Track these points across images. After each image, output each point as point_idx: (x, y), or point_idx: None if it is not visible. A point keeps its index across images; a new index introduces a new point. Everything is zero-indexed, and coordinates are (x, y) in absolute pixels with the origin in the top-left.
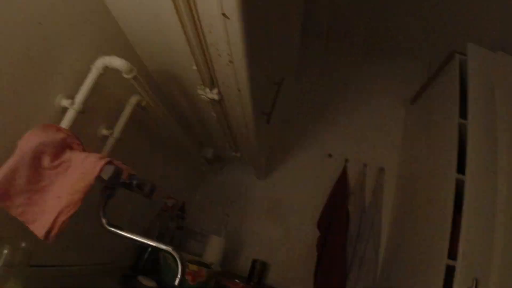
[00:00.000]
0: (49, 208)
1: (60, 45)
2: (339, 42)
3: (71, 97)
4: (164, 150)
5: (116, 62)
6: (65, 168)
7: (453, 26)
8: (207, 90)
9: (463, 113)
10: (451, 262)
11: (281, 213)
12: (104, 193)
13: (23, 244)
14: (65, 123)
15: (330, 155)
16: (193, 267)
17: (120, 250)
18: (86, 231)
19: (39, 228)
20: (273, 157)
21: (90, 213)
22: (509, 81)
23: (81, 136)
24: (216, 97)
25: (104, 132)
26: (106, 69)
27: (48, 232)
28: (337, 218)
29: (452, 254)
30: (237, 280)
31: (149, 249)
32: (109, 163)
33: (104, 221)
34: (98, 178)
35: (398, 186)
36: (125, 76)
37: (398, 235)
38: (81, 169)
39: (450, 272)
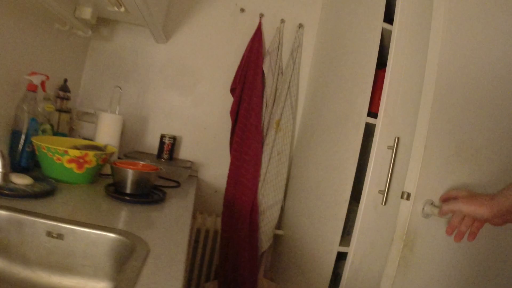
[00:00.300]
0: None
1: None
2: None
3: None
4: (16, 12)
5: None
6: None
7: None
8: None
9: None
10: (371, 120)
11: (189, 80)
12: None
13: None
14: None
15: (242, 10)
16: (74, 152)
17: None
18: None
19: None
20: (174, 14)
21: None
22: None
23: None
24: None
25: None
26: None
27: None
28: (251, 81)
29: (373, 111)
30: (141, 162)
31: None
32: None
33: None
34: None
35: (318, 45)
36: None
37: (317, 96)
38: None
39: (370, 129)
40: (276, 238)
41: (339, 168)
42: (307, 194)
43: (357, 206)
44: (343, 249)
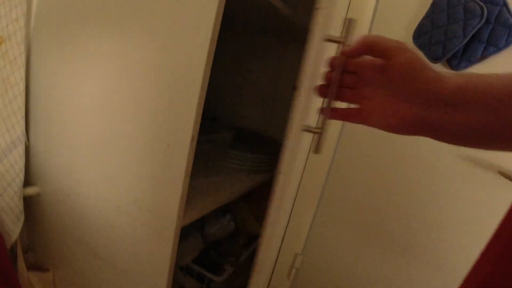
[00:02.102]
0: None
1: None
2: None
3: None
4: None
5: None
6: None
7: None
8: None
9: None
10: None
11: None
12: None
13: None
14: None
15: None
16: None
17: None
18: None
19: None
20: None
21: None
22: None
23: None
24: None
25: None
26: None
27: None
28: None
29: None
30: None
31: None
32: None
33: None
34: None
35: None
36: None
37: None
38: None
39: None
40: (28, 201)
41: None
42: (83, 122)
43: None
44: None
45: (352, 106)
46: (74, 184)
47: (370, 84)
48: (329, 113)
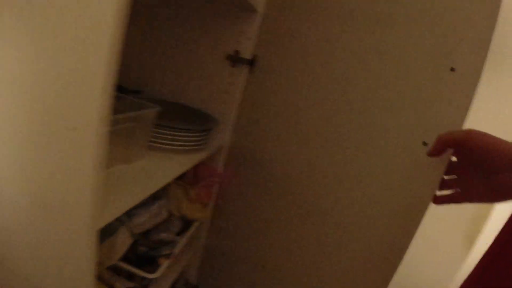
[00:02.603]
0: None
1: None
2: None
3: None
4: None
5: None
6: None
7: None
8: None
9: None
10: None
11: None
12: None
13: None
14: None
15: None
16: None
17: None
18: None
19: None
20: None
21: None
22: None
23: None
24: None
25: None
26: None
27: None
28: None
29: None
30: None
31: None
32: None
33: None
34: None
35: None
36: None
37: None
38: None
39: None
40: None
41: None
42: None
43: None
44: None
45: None
46: None
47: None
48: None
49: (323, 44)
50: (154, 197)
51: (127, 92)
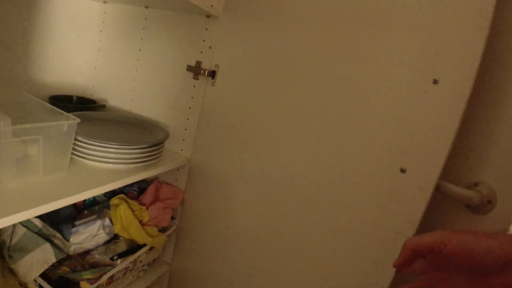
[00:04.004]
0: None
1: None
2: None
3: None
4: None
5: None
6: None
7: None
8: None
9: None
10: None
11: None
12: None
13: None
14: None
15: None
16: None
17: None
18: None
19: None
20: None
21: None
22: None
23: None
24: None
25: None
26: None
27: None
28: None
29: None
30: None
31: None
32: None
33: None
34: None
35: None
36: None
37: None
38: None
39: None
40: None
41: None
42: None
43: None
44: None
45: None
46: None
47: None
48: None
49: (286, 51)
50: (98, 216)
51: (94, 105)
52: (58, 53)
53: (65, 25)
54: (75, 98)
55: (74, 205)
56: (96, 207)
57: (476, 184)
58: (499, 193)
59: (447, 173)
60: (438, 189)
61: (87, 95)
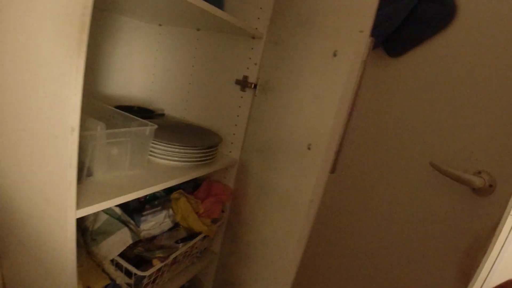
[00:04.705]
0: None
1: None
2: None
3: None
4: None
5: None
6: None
7: None
8: None
9: None
10: None
11: None
12: None
13: None
14: None
15: None
16: None
17: None
18: None
19: None
20: None
21: None
22: None
23: None
24: None
25: None
26: None
27: None
28: None
29: None
30: None
31: None
32: None
33: None
34: None
35: None
36: None
37: None
38: None
39: None
40: None
41: (48, 70)
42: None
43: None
44: (89, 210)
45: None
46: (4, 183)
47: None
48: None
49: None
50: (163, 207)
51: (153, 114)
52: (121, 70)
53: (127, 47)
54: (135, 108)
55: (138, 199)
56: (156, 201)
57: (479, 172)
58: (498, 179)
59: (456, 163)
60: (449, 175)
61: (146, 105)
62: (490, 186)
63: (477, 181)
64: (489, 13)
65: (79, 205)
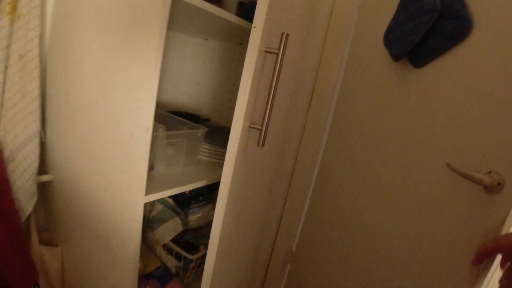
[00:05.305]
0: None
1: None
2: None
3: None
4: None
5: None
6: None
7: None
8: None
9: None
10: None
11: None
12: None
13: None
14: None
15: None
16: None
17: None
18: None
19: None
20: None
21: None
22: None
23: None
24: None
25: None
26: None
27: None
28: None
29: None
30: None
31: None
32: None
33: None
34: None
35: None
36: None
37: None
38: None
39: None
40: (44, 187)
41: (128, 81)
42: (81, 120)
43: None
44: (154, 197)
45: None
46: (76, 173)
47: None
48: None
49: None
50: (207, 202)
51: (199, 119)
52: (171, 80)
53: (177, 59)
54: (183, 113)
55: (185, 194)
56: (201, 197)
57: (490, 172)
58: (506, 177)
59: (470, 165)
60: (462, 174)
61: (192, 111)
62: (499, 184)
63: (486, 179)
64: (502, 27)
65: (146, 192)
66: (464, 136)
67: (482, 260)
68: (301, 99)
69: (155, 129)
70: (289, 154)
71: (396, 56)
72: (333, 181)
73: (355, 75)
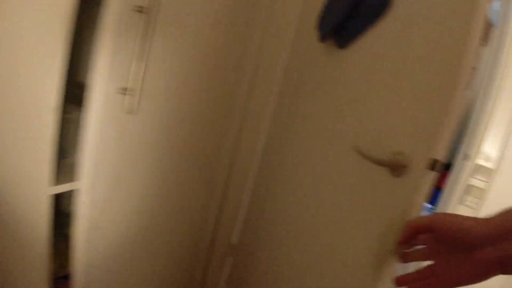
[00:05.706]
0: None
1: None
2: None
3: None
4: None
5: None
6: None
7: None
8: None
9: None
10: None
11: None
12: None
13: None
14: None
15: None
16: None
17: None
18: None
19: None
20: None
21: None
22: None
23: None
24: None
25: None
26: None
27: None
28: None
29: None
30: None
31: None
32: None
33: None
34: None
35: None
36: None
37: None
38: None
39: None
40: None
41: (24, 49)
42: None
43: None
44: (62, 188)
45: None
46: None
47: (437, 254)
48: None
49: None
50: None
51: None
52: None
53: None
54: None
55: None
56: None
57: (400, 153)
58: (414, 160)
59: (377, 148)
60: (367, 157)
61: None
62: (403, 166)
63: (389, 161)
64: (417, 8)
65: (55, 182)
66: (373, 119)
67: (408, 238)
68: (227, 70)
69: (67, 111)
70: (218, 141)
71: (322, 37)
72: (272, 171)
73: (300, 59)
